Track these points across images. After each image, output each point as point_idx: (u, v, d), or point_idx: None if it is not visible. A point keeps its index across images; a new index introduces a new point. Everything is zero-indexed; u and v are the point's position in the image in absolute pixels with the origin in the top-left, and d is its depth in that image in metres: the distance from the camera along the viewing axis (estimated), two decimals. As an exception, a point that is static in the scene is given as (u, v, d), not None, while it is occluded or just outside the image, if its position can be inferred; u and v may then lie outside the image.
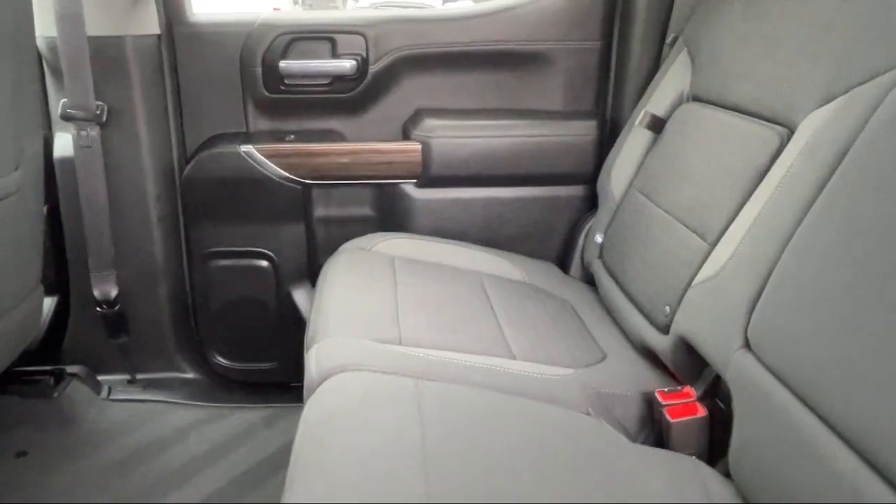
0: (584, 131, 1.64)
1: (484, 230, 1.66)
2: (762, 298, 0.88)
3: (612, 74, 1.65)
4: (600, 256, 1.48)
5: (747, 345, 0.89)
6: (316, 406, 0.89)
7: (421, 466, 0.76)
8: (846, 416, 0.70)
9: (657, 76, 1.49)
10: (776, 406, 0.81)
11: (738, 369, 0.89)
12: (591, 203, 1.65)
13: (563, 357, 1.16)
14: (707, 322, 1.00)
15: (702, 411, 1.00)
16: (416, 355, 1.04)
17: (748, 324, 0.89)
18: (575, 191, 1.67)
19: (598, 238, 1.50)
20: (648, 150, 1.43)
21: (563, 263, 1.67)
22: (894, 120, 0.77)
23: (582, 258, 1.59)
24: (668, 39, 1.52)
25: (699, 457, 0.98)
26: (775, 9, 1.17)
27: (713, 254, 1.06)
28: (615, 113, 1.64)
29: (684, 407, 1.01)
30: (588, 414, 1.01)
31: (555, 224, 1.68)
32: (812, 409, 0.75)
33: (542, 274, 1.56)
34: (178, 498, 1.38)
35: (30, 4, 1.26)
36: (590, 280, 1.53)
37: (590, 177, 1.64)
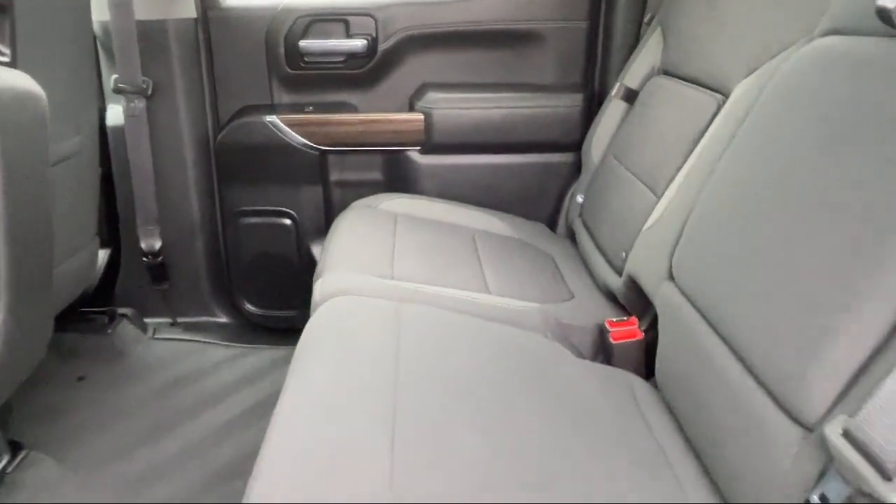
0: (572, 103, 1.81)
1: (481, 193, 1.84)
2: (682, 238, 1.06)
3: (598, 51, 1.81)
4: (580, 215, 1.66)
5: (671, 276, 1.07)
6: (316, 321, 1.10)
7: (392, 371, 0.96)
8: (737, 334, 0.86)
9: (635, 52, 1.65)
10: (687, 325, 0.98)
11: (663, 297, 1.07)
12: (577, 169, 1.82)
13: (533, 294, 1.35)
14: (646, 261, 1.17)
15: (639, 335, 1.18)
16: (403, 286, 1.25)
17: (672, 259, 1.07)
18: (564, 157, 1.84)
19: (579, 198, 1.67)
20: (623, 118, 1.60)
21: (552, 224, 1.85)
22: (783, 87, 0.93)
23: (567, 218, 1.77)
24: (646, 19, 1.68)
25: (637, 373, 1.16)
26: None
27: (658, 205, 1.23)
28: (601, 86, 1.80)
29: (626, 332, 1.20)
30: (546, 337, 1.20)
31: (545, 188, 1.85)
32: (713, 328, 0.92)
33: (530, 231, 1.74)
34: (212, 416, 1.62)
35: (86, -7, 1.49)
36: (573, 238, 1.71)
37: (577, 145, 1.80)
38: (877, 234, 0.69)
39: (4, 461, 1.25)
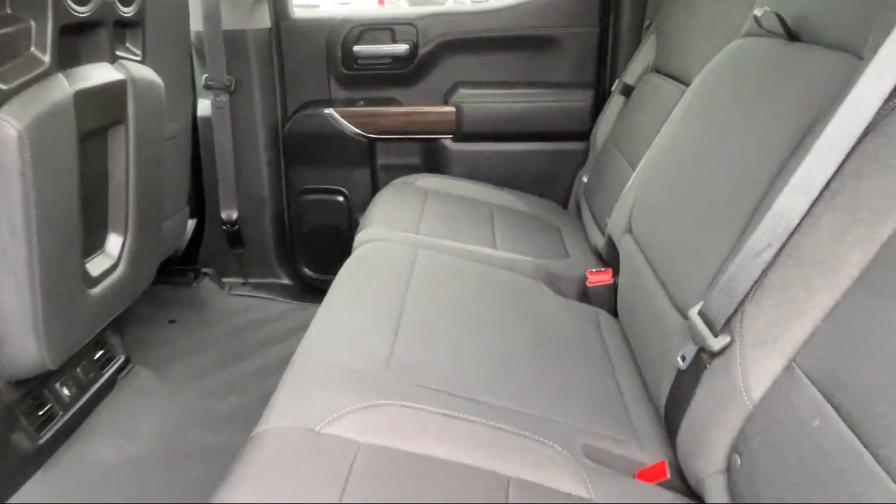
0: (582, 98, 2.09)
1: (502, 175, 2.14)
2: (637, 198, 1.33)
3: (606, 53, 2.08)
4: (584, 193, 1.93)
5: (630, 230, 1.35)
6: (350, 260, 1.43)
7: (402, 294, 1.26)
8: (661, 264, 1.13)
9: (635, 54, 1.92)
10: (635, 266, 1.26)
11: (623, 247, 1.35)
12: (587, 155, 2.09)
13: (533, 251, 1.64)
14: (617, 221, 1.45)
15: (610, 281, 1.46)
16: (424, 239, 1.57)
17: (630, 216, 1.35)
18: (575, 145, 2.12)
19: (584, 179, 1.95)
20: (621, 110, 1.87)
21: (564, 203, 2.13)
22: (704, 80, 1.20)
23: (575, 196, 2.05)
24: (645, 24, 1.94)
25: (608, 311, 1.44)
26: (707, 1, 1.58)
27: (632, 175, 1.50)
28: (608, 84, 2.08)
29: (600, 279, 1.47)
30: (535, 280, 1.49)
31: (558, 171, 2.14)
32: (650, 264, 1.20)
33: (543, 208, 2.03)
34: (272, 352, 1.98)
35: (187, 10, 1.88)
36: (580, 214, 1.99)
37: (586, 134, 2.08)
38: (748, 187, 0.95)
39: (121, 361, 1.64)
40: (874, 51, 0.76)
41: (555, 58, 2.11)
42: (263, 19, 2.11)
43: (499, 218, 1.85)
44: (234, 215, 2.26)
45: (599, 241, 1.62)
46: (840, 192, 0.76)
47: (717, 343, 0.85)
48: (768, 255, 0.81)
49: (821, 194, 0.78)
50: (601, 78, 2.10)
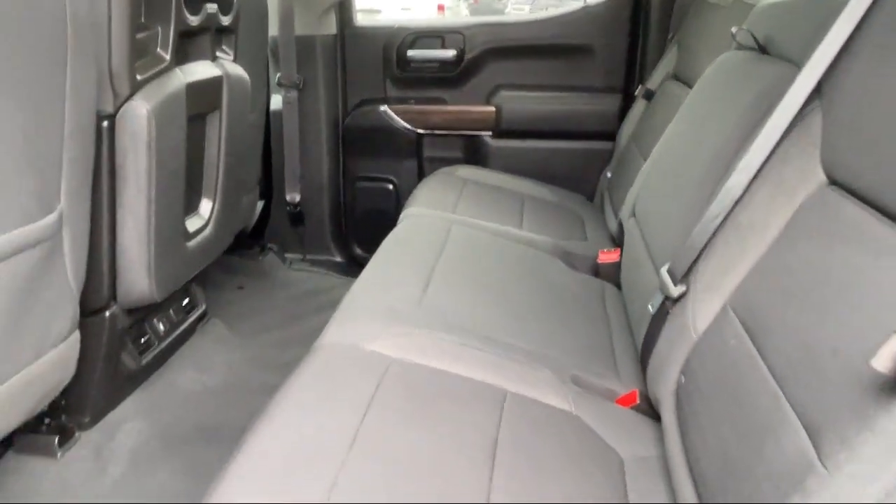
0: (612, 101, 2.31)
1: (536, 169, 2.38)
2: (642, 186, 1.55)
3: (636, 61, 2.29)
4: (607, 187, 2.15)
5: (634, 213, 1.57)
6: (396, 230, 1.70)
7: (434, 260, 1.50)
8: (653, 240, 1.35)
9: (658, 62, 2.13)
10: (633, 242, 1.48)
11: (627, 228, 1.57)
12: (612, 154, 2.31)
13: (554, 233, 1.87)
14: (626, 206, 1.67)
15: (617, 258, 1.67)
16: (458, 217, 1.82)
17: (634, 201, 1.57)
18: (604, 145, 2.33)
19: (608, 174, 2.17)
20: (643, 113, 2.08)
21: (591, 197, 2.35)
22: (699, 86, 1.41)
23: (600, 191, 2.26)
24: (670, 36, 2.15)
25: (615, 285, 1.65)
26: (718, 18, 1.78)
27: (641, 168, 1.72)
28: (635, 89, 2.28)
29: (610, 257, 1.69)
30: (553, 256, 1.72)
31: (588, 168, 2.36)
32: (644, 240, 1.42)
33: (570, 200, 2.25)
34: (326, 316, 2.25)
35: (267, 18, 2.19)
36: (604, 207, 2.20)
37: (613, 135, 2.29)
38: (713, 171, 1.17)
39: (202, 310, 1.95)
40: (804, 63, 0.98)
41: (587, 65, 2.33)
42: (330, 26, 2.40)
43: (528, 205, 2.08)
44: (297, 198, 2.56)
45: (613, 226, 1.83)
46: (770, 172, 0.98)
47: (676, 291, 1.07)
48: (717, 221, 1.03)
49: (756, 174, 0.99)
50: (629, 84, 2.31)
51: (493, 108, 2.38)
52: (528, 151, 2.40)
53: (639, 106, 2.12)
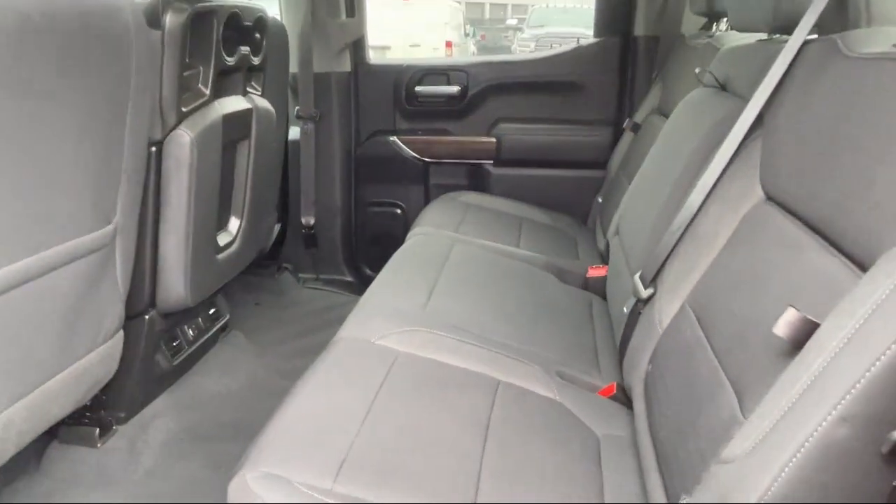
0: (603, 134, 2.51)
1: (533, 195, 2.56)
2: (623, 208, 1.73)
3: (625, 97, 2.49)
4: (598, 211, 2.33)
5: (617, 232, 1.74)
6: (403, 247, 1.88)
7: (437, 271, 1.68)
8: (630, 249, 1.53)
9: (644, 98, 2.33)
10: (616, 257, 1.65)
11: (612, 246, 1.75)
12: (604, 181, 2.49)
13: (549, 251, 2.04)
14: (612, 227, 1.85)
15: (604, 273, 1.84)
16: (461, 237, 2.00)
17: (619, 221, 1.75)
18: (596, 173, 2.52)
19: (600, 199, 2.35)
20: (630, 144, 2.27)
21: (584, 221, 2.53)
22: (672, 117, 1.60)
23: (592, 215, 2.45)
24: (654, 74, 2.35)
25: (603, 297, 1.82)
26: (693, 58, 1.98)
27: (626, 192, 1.90)
28: (624, 122, 2.48)
29: (598, 272, 1.87)
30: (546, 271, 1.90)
31: (581, 194, 2.54)
32: (624, 254, 1.59)
33: (565, 223, 2.43)
34: (335, 330, 2.43)
35: (287, 57, 2.41)
36: (595, 230, 2.38)
37: (604, 164, 2.48)
38: (678, 193, 1.35)
39: (226, 319, 2.12)
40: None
41: (580, 100, 2.54)
42: (345, 64, 2.62)
43: (525, 227, 2.27)
44: (311, 221, 2.75)
45: (603, 246, 2.01)
46: (720, 190, 1.16)
47: (645, 294, 1.25)
48: (679, 233, 1.21)
49: (710, 192, 1.17)
50: (619, 117, 2.51)
51: (493, 139, 2.58)
52: (526, 179, 2.59)
53: (627, 137, 2.31)
